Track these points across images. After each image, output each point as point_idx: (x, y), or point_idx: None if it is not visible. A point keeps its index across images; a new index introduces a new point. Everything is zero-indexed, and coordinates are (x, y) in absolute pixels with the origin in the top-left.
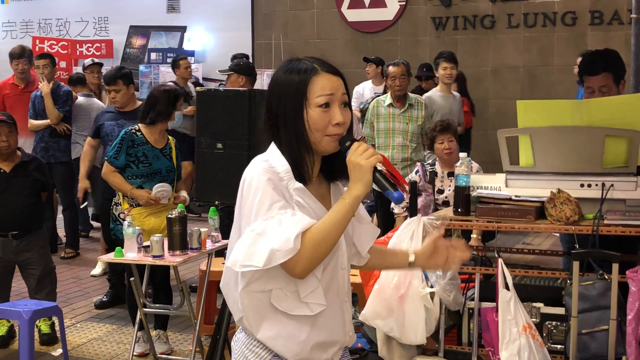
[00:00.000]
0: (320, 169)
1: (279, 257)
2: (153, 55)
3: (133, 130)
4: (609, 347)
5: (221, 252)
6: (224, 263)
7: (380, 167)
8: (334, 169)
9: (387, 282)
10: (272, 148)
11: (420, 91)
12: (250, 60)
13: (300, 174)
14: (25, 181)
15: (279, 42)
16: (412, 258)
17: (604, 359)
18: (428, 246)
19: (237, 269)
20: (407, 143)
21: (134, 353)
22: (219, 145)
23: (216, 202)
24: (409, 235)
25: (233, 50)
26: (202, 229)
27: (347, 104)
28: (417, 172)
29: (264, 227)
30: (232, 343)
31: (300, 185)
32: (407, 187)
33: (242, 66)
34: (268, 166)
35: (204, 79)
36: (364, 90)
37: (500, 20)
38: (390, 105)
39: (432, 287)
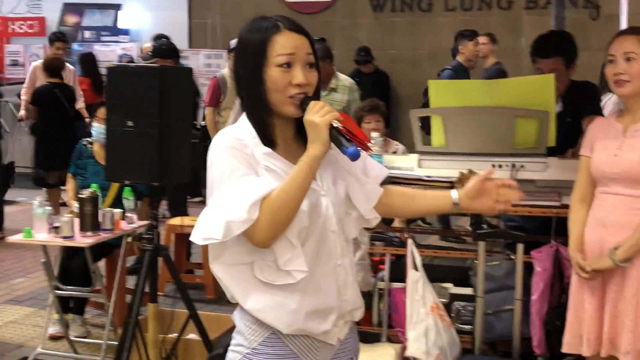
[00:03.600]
0: (297, 133)
1: (234, 228)
2: (87, 34)
3: (85, 143)
4: (514, 327)
5: None
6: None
7: (336, 124)
8: (305, 134)
9: None
10: (242, 116)
11: (359, 74)
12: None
13: (265, 136)
14: None
15: (216, 22)
16: (455, 197)
17: (509, 339)
18: (474, 186)
19: (199, 242)
20: None
21: (47, 335)
22: (130, 124)
23: (126, 182)
24: None
25: (169, 30)
26: (116, 210)
27: (313, 65)
28: None
29: (223, 197)
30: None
31: (268, 149)
32: (369, 144)
33: (166, 50)
34: (230, 135)
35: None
36: None
37: (437, 3)
38: None
39: None
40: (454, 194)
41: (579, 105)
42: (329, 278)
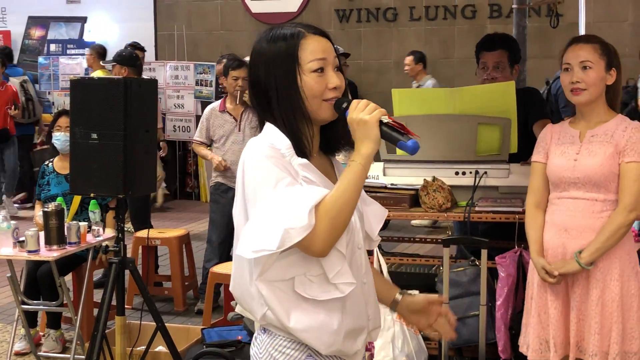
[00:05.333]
0: (321, 144)
1: (293, 235)
2: (53, 47)
3: (47, 162)
4: (479, 333)
5: None
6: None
7: (385, 119)
8: (331, 139)
9: None
10: (268, 127)
11: None
12: (147, 51)
13: (300, 147)
14: None
15: (182, 33)
16: (399, 298)
17: (476, 344)
18: (420, 302)
19: (249, 255)
20: None
21: (13, 352)
22: (94, 136)
23: (92, 195)
24: None
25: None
26: (82, 223)
27: (339, 68)
28: None
29: (273, 206)
30: (251, 348)
31: (304, 160)
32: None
33: (125, 57)
34: (267, 144)
35: None
36: None
37: (403, 13)
38: None
39: None
40: (398, 296)
41: (525, 111)
42: (360, 297)
